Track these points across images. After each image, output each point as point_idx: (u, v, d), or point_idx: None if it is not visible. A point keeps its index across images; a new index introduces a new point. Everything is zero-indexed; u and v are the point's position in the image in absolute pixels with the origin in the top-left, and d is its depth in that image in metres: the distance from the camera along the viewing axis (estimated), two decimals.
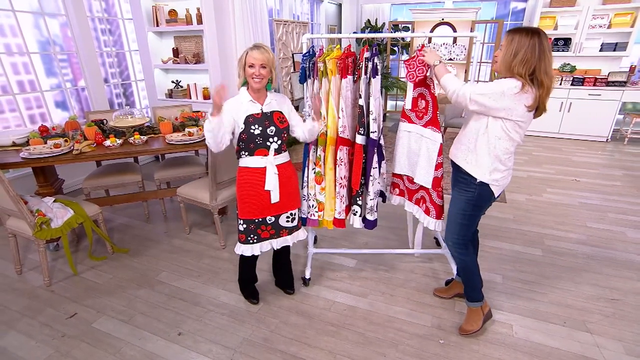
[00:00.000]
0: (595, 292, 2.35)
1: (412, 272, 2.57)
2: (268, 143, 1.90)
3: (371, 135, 2.14)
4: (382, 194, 2.41)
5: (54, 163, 2.46)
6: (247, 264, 2.20)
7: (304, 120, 2.12)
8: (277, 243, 2.11)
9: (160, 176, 3.26)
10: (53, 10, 3.74)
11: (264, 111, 1.89)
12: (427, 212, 2.28)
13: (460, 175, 1.85)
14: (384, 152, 2.29)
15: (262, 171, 1.92)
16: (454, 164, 1.90)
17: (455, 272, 2.33)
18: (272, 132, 1.89)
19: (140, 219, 3.39)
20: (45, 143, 2.57)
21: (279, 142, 1.93)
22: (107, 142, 2.65)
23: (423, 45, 2.05)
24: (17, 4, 3.41)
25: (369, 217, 2.32)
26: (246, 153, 1.91)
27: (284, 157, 1.99)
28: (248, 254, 2.05)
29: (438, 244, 2.85)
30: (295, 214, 2.11)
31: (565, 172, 4.44)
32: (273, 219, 2.03)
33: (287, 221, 2.09)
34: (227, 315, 2.19)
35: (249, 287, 2.32)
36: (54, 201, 2.51)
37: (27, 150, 2.48)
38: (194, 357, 1.91)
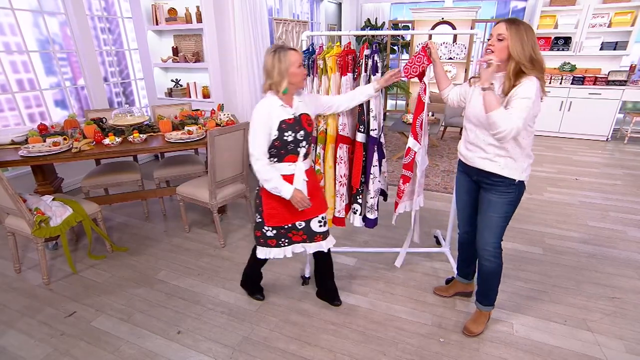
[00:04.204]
0: (596, 291, 2.34)
1: (412, 270, 2.56)
2: (298, 148, 1.81)
3: (371, 133, 2.13)
4: (382, 193, 2.40)
5: (52, 161, 2.46)
6: (260, 264, 2.17)
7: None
8: (311, 248, 2.03)
9: (159, 175, 3.25)
10: (52, 9, 3.73)
11: (295, 115, 1.78)
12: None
13: (493, 181, 1.79)
14: (384, 150, 2.28)
15: (289, 178, 1.83)
16: (478, 171, 1.83)
17: (455, 271, 2.32)
18: (302, 136, 1.79)
19: (139, 217, 3.38)
20: (44, 141, 2.57)
21: (307, 145, 1.85)
22: (106, 141, 2.65)
23: (428, 44, 2.03)
24: (16, 3, 3.40)
25: (370, 215, 2.31)
26: (275, 159, 1.80)
27: (309, 162, 1.91)
28: (280, 256, 2.00)
29: (438, 243, 2.85)
30: (325, 218, 2.03)
31: (565, 171, 4.43)
32: (303, 224, 1.96)
33: (320, 226, 2.00)
34: (227, 313, 2.18)
35: (255, 285, 2.31)
36: (53, 199, 2.50)
37: (26, 148, 2.47)
38: (193, 355, 1.91)
